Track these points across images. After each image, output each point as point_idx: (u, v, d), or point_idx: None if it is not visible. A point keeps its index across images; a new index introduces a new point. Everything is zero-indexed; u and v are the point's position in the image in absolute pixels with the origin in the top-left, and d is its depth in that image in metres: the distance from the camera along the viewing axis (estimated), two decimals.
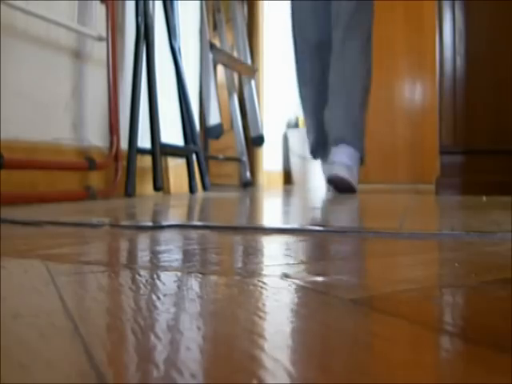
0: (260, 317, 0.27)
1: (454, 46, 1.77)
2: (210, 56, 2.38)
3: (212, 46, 2.41)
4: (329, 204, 1.42)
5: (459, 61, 1.77)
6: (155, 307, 0.29)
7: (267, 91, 3.34)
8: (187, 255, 0.49)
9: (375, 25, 2.02)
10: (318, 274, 0.38)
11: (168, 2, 1.87)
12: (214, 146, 3.00)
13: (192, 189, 1.90)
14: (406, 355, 0.22)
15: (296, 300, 0.32)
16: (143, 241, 0.61)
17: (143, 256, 0.51)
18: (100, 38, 1.55)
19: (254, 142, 2.91)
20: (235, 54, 2.85)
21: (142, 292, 0.32)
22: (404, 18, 3.93)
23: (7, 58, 1.26)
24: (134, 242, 0.60)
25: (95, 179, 1.53)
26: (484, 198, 1.43)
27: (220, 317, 0.28)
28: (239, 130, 2.78)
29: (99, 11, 1.55)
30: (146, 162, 1.70)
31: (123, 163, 1.60)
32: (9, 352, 0.21)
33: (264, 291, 0.33)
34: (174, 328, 0.25)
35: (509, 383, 0.18)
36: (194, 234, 0.65)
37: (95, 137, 1.59)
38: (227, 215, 1.07)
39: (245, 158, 2.78)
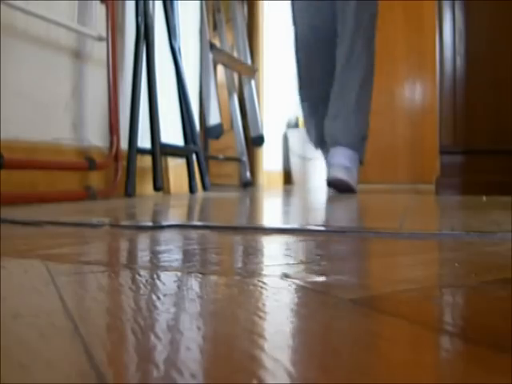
0: (260, 317, 0.27)
1: (454, 46, 1.77)
2: (210, 56, 2.38)
3: (212, 46, 2.41)
4: (329, 204, 1.42)
5: (459, 61, 1.77)
6: (155, 307, 0.29)
7: (267, 91, 3.34)
8: (187, 255, 0.49)
9: None
10: (318, 274, 0.38)
11: (168, 2, 1.87)
12: (214, 146, 3.00)
13: (192, 189, 1.90)
14: (406, 355, 0.22)
15: (296, 300, 0.32)
16: (143, 241, 0.61)
17: (143, 256, 0.51)
18: (100, 38, 1.55)
19: (254, 142, 2.91)
20: (235, 54, 2.85)
21: (142, 292, 0.32)
22: (404, 18, 3.93)
23: (7, 58, 1.26)
24: (133, 242, 0.60)
25: (95, 179, 1.53)
26: (484, 198, 1.43)
27: (220, 317, 0.28)
28: (239, 130, 2.78)
29: (99, 11, 1.55)
30: (146, 161, 1.70)
31: (123, 163, 1.60)
32: (9, 352, 0.21)
33: (264, 291, 0.33)
34: (173, 328, 0.25)
35: (509, 383, 0.18)
36: (194, 234, 0.65)
37: (95, 137, 1.59)
38: (227, 215, 1.07)
39: (245, 158, 2.78)
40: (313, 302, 0.31)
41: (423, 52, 3.83)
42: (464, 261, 0.46)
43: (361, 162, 1.95)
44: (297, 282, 0.35)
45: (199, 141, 1.98)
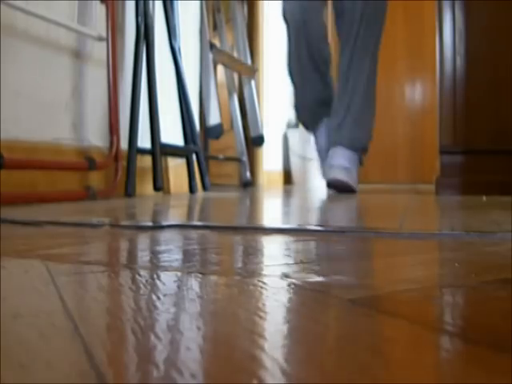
0: (260, 317, 0.27)
1: (454, 46, 1.77)
2: (210, 56, 2.38)
3: (212, 46, 2.41)
4: (329, 204, 1.42)
5: (459, 61, 1.77)
6: (155, 307, 0.29)
7: (267, 91, 3.34)
8: (187, 255, 0.49)
9: None
10: (318, 274, 0.38)
11: (168, 2, 1.87)
12: (214, 146, 3.00)
13: (192, 189, 1.90)
14: (406, 355, 0.22)
15: (296, 300, 0.32)
16: (143, 241, 0.61)
17: (143, 256, 0.51)
18: (100, 38, 1.55)
19: (254, 142, 2.91)
20: (235, 54, 2.85)
21: (142, 292, 0.33)
22: (404, 18, 3.93)
23: (7, 58, 1.26)
24: (133, 242, 0.60)
25: (95, 179, 1.53)
26: (484, 198, 1.43)
27: (220, 317, 0.28)
28: (239, 130, 2.78)
29: (99, 11, 1.55)
30: (146, 161, 1.70)
31: (123, 163, 1.60)
32: (9, 352, 0.21)
33: (264, 291, 0.33)
34: (174, 328, 0.25)
35: (509, 383, 0.18)
36: (193, 234, 0.65)
37: (95, 137, 1.59)
38: (227, 215, 1.07)
39: (245, 158, 2.78)
40: (312, 302, 0.31)
41: (423, 52, 3.83)
42: (464, 261, 0.46)
43: (361, 163, 1.95)
44: (297, 282, 0.35)
45: (199, 141, 1.98)
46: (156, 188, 1.63)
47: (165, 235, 0.63)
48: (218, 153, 2.95)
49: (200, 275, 0.38)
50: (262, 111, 3.08)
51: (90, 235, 0.65)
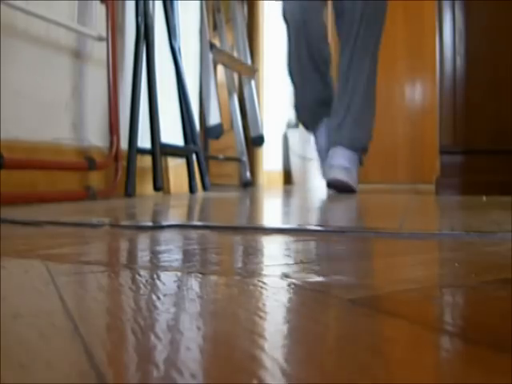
0: (260, 317, 0.27)
1: (454, 46, 1.77)
2: (210, 56, 2.38)
3: (212, 46, 2.41)
4: (329, 204, 1.42)
5: (459, 61, 1.77)
6: (155, 307, 0.29)
7: (267, 91, 3.34)
8: (187, 255, 0.49)
9: None
10: (318, 274, 0.38)
11: (168, 2, 1.87)
12: (214, 146, 3.00)
13: (192, 189, 1.90)
14: (406, 355, 0.22)
15: (296, 300, 0.32)
16: (143, 241, 0.61)
17: (143, 256, 0.51)
18: (100, 38, 1.55)
19: (254, 142, 2.91)
20: (235, 54, 2.85)
21: (142, 292, 0.33)
22: (404, 18, 3.93)
23: (7, 58, 1.26)
24: (134, 242, 0.60)
25: (95, 179, 1.53)
26: (484, 198, 1.43)
27: (220, 317, 0.28)
28: (239, 130, 2.78)
29: (99, 11, 1.55)
30: (146, 161, 1.70)
31: (123, 163, 1.60)
32: (9, 352, 0.21)
33: (264, 291, 0.33)
34: (174, 328, 0.25)
35: (509, 383, 0.18)
36: (193, 234, 0.65)
37: (95, 137, 1.59)
38: (227, 215, 1.07)
39: (245, 158, 2.78)
40: (312, 302, 0.31)
41: (423, 52, 3.83)
42: (464, 261, 0.46)
43: (361, 163, 1.94)
44: (297, 282, 0.35)
45: (199, 141, 1.98)
46: (156, 188, 1.63)
47: (165, 235, 0.63)
48: (218, 153, 2.95)
49: (200, 275, 0.38)
50: (261, 111, 3.08)
51: (89, 235, 0.65)
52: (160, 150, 1.66)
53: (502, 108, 1.72)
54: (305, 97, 2.06)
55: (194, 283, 0.36)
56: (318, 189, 2.68)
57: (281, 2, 2.04)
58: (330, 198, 1.69)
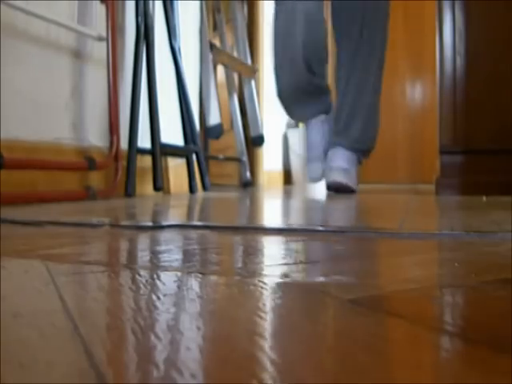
0: (260, 317, 0.27)
1: (453, 46, 1.77)
2: (210, 56, 2.38)
3: (212, 46, 2.41)
4: (328, 204, 1.42)
5: (459, 61, 1.77)
6: (155, 307, 0.29)
7: (267, 91, 3.34)
8: (187, 255, 0.49)
9: None
10: (318, 274, 0.38)
11: (168, 2, 1.87)
12: (214, 146, 3.00)
13: (192, 189, 1.90)
14: (405, 355, 0.22)
15: (295, 300, 0.32)
16: (143, 241, 0.61)
17: (143, 256, 0.51)
18: (100, 38, 1.55)
19: (254, 141, 2.91)
20: (235, 54, 2.85)
21: (142, 292, 0.33)
22: (404, 18, 3.93)
23: (7, 58, 1.26)
24: (134, 242, 0.60)
25: (95, 179, 1.53)
26: (484, 198, 1.43)
27: (220, 317, 0.28)
28: (239, 130, 2.78)
29: (99, 11, 1.55)
30: (146, 161, 1.70)
31: (123, 163, 1.60)
32: (9, 352, 0.21)
33: (264, 291, 0.33)
34: (173, 328, 0.25)
35: (509, 383, 0.18)
36: (193, 234, 0.65)
37: (95, 137, 1.59)
38: (227, 215, 1.07)
39: (245, 158, 2.78)
40: (312, 302, 0.31)
41: (423, 52, 3.83)
42: (464, 261, 0.46)
43: (360, 162, 1.94)
44: (296, 282, 0.35)
45: (199, 141, 1.98)
46: (156, 188, 1.63)
47: (165, 235, 0.63)
48: (218, 153, 2.95)
49: (200, 275, 0.38)
50: (261, 111, 3.08)
51: (90, 235, 0.65)
52: (160, 150, 1.66)
53: (502, 108, 1.73)
54: (287, 79, 1.95)
55: (194, 283, 0.36)
56: (318, 189, 2.68)
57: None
58: (329, 198, 1.69)
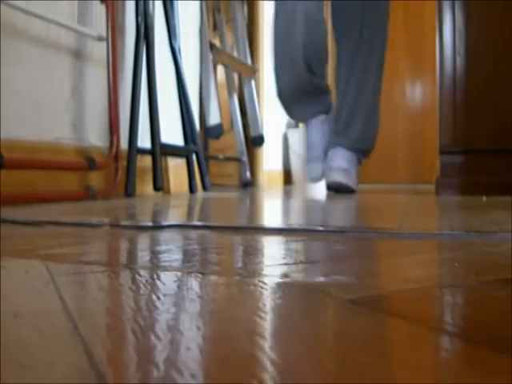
0: (260, 317, 0.27)
1: (453, 46, 1.77)
2: (210, 56, 2.38)
3: (212, 46, 2.41)
4: (328, 204, 1.42)
5: (459, 61, 1.77)
6: (155, 307, 0.29)
7: (267, 91, 3.34)
8: (187, 255, 0.49)
9: None
10: (318, 274, 0.38)
11: (168, 2, 1.87)
12: (214, 146, 3.00)
13: (192, 189, 1.90)
14: (405, 355, 0.22)
15: (295, 300, 0.32)
16: (143, 241, 0.61)
17: (143, 256, 0.51)
18: (100, 38, 1.55)
19: (254, 141, 2.91)
20: (235, 54, 2.85)
21: (142, 292, 0.33)
22: (404, 18, 3.93)
23: (7, 58, 1.26)
24: (134, 242, 0.60)
25: (95, 179, 1.53)
26: (484, 198, 1.43)
27: (220, 317, 0.28)
28: (239, 130, 2.78)
29: (99, 11, 1.55)
30: (146, 161, 1.70)
31: (123, 163, 1.60)
32: (9, 352, 0.21)
33: (264, 291, 0.33)
34: (174, 328, 0.25)
35: (509, 383, 0.18)
36: (193, 234, 0.65)
37: (95, 137, 1.59)
38: (227, 215, 1.07)
39: (245, 158, 2.78)
40: (312, 302, 0.31)
41: (423, 52, 3.83)
42: (464, 261, 0.46)
43: (360, 162, 1.94)
44: (297, 282, 0.35)
45: (199, 141, 1.98)
46: (156, 188, 1.63)
47: (165, 235, 0.63)
48: (218, 153, 2.95)
49: (200, 275, 0.38)
50: (262, 111, 3.08)
51: (90, 235, 0.65)
52: (160, 150, 1.66)
53: (501, 108, 1.73)
54: (288, 79, 1.95)
55: (194, 283, 0.36)
56: (318, 189, 2.68)
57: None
58: (329, 197, 1.69)
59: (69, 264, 0.44)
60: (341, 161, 1.82)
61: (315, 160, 1.95)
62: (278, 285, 0.35)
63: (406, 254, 0.51)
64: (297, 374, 0.19)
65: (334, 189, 1.81)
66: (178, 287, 0.35)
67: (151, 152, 1.65)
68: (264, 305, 0.30)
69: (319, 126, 1.98)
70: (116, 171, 1.59)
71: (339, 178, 1.77)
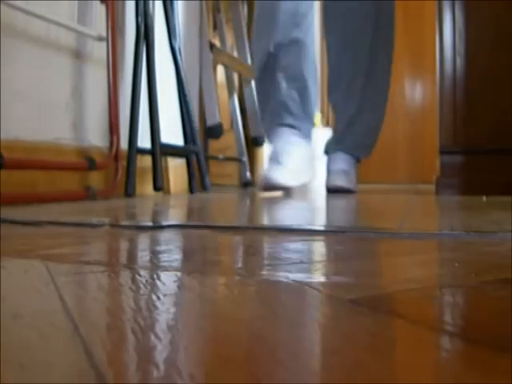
0: (260, 317, 0.27)
1: (453, 46, 1.78)
2: (210, 56, 2.38)
3: (212, 46, 2.41)
4: (328, 204, 1.42)
5: (459, 61, 1.77)
6: (155, 307, 0.29)
7: None
8: (187, 255, 0.49)
9: None
10: (318, 274, 0.38)
11: (168, 2, 1.87)
12: (214, 146, 3.00)
13: (192, 189, 1.90)
14: (405, 355, 0.22)
15: (296, 300, 0.32)
16: (143, 241, 0.61)
17: (143, 256, 0.51)
18: (100, 38, 1.55)
19: (254, 141, 2.91)
20: (235, 54, 2.85)
21: (142, 292, 0.32)
22: (404, 18, 3.92)
23: (7, 58, 1.26)
24: (134, 242, 0.60)
25: (95, 179, 1.53)
26: (484, 198, 1.43)
27: (220, 317, 0.28)
28: (239, 130, 2.78)
29: (99, 11, 1.55)
30: (146, 161, 1.70)
31: (123, 163, 1.60)
32: (9, 352, 0.21)
33: (264, 291, 0.33)
34: (173, 328, 0.25)
35: (509, 383, 0.18)
36: (194, 233, 0.65)
37: (95, 137, 1.59)
38: (227, 215, 1.07)
39: (245, 158, 2.78)
40: (312, 302, 0.31)
41: (423, 52, 3.83)
42: (464, 261, 0.46)
43: (359, 161, 1.94)
44: (297, 281, 0.35)
45: (199, 141, 1.98)
46: (156, 188, 1.63)
47: (165, 235, 0.63)
48: (218, 153, 2.95)
49: (200, 275, 0.38)
50: None
51: (89, 235, 0.65)
52: (160, 150, 1.66)
53: (501, 108, 1.73)
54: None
55: (194, 283, 0.36)
56: (318, 189, 2.68)
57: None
58: (329, 197, 1.69)
59: (69, 264, 0.44)
60: (340, 163, 1.83)
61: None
62: (278, 285, 0.35)
63: (406, 253, 0.51)
64: (297, 374, 0.19)
65: (334, 192, 1.82)
66: (178, 287, 0.35)
67: (151, 152, 1.65)
68: (264, 305, 0.30)
69: (283, 133, 1.87)
70: (116, 171, 1.59)
71: (339, 181, 1.78)
